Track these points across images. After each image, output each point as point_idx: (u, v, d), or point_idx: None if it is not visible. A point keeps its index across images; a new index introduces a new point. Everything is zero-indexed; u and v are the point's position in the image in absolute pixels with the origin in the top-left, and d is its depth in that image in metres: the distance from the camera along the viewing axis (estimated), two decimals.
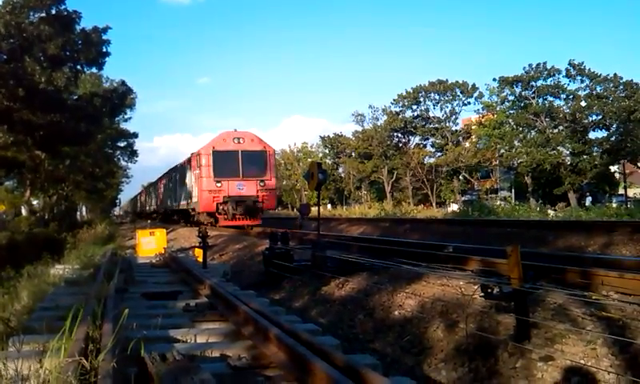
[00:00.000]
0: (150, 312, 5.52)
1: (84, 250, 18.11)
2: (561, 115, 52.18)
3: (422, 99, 63.05)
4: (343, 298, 7.44)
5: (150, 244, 15.32)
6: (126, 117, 47.08)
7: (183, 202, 27.92)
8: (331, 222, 23.65)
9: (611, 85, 50.78)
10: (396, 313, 6.31)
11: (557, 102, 53.80)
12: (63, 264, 12.45)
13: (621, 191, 52.37)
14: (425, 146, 66.65)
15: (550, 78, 53.37)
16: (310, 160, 51.95)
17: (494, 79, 56.71)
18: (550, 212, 29.03)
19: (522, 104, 55.17)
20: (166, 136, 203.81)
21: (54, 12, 23.98)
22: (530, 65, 53.51)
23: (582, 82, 52.32)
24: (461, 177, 61.85)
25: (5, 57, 23.05)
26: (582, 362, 4.13)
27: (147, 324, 4.75)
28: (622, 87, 50.41)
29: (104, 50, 26.80)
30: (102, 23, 29.41)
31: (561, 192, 51.08)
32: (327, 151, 77.65)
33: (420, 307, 6.14)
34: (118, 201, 78.82)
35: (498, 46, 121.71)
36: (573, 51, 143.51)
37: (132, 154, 52.78)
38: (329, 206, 67.47)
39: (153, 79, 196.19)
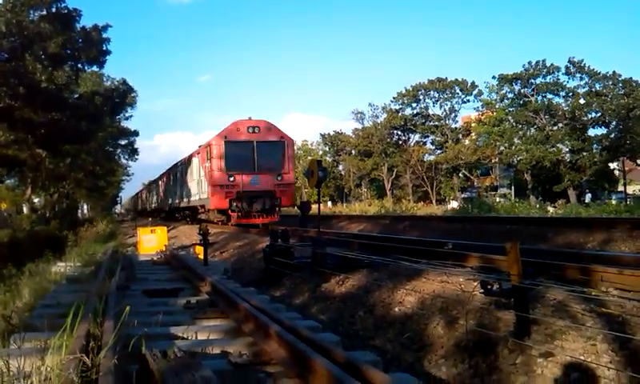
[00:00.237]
0: (151, 309, 5.52)
1: (85, 248, 18.18)
2: (560, 112, 52.20)
3: (421, 97, 63.17)
4: (343, 294, 7.46)
5: (151, 242, 15.42)
6: (126, 115, 47.10)
7: (191, 199, 25.94)
8: (331, 220, 23.61)
9: (610, 82, 50.84)
10: (396, 309, 6.33)
11: (556, 100, 53.99)
12: (64, 261, 12.44)
13: (620, 188, 52.41)
14: (425, 143, 66.82)
15: (550, 76, 53.46)
16: (310, 158, 51.87)
17: (494, 77, 57.01)
18: (550, 209, 29.09)
19: (522, 101, 55.21)
20: (167, 134, 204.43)
21: (54, 10, 23.92)
22: (529, 62, 53.71)
23: (582, 79, 52.48)
24: (460, 174, 61.88)
25: (6, 55, 23.04)
26: (582, 358, 4.13)
27: (148, 321, 4.76)
28: (621, 85, 50.48)
29: (104, 48, 26.76)
30: (102, 22, 29.24)
31: (560, 189, 51.14)
32: (327, 149, 77.81)
33: (420, 304, 6.15)
34: (119, 199, 78.88)
35: (498, 43, 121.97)
36: (572, 49, 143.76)
37: (133, 152, 52.82)
38: (329, 203, 67.53)
39: (153, 77, 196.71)
